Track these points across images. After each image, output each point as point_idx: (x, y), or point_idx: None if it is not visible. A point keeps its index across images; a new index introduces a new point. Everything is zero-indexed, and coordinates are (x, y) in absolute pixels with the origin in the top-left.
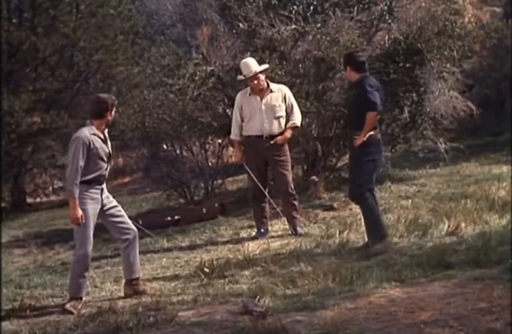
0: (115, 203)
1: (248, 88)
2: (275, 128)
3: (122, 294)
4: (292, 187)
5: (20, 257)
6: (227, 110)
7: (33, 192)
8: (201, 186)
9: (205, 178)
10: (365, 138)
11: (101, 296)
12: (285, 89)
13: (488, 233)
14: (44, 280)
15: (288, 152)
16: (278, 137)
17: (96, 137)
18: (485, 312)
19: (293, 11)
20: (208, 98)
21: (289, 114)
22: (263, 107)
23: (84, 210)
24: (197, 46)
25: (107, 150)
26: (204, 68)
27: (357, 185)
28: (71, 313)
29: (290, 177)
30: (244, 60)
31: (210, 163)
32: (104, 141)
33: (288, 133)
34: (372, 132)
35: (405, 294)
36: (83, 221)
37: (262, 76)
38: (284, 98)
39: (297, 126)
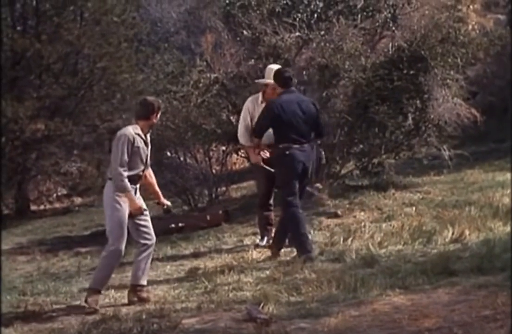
0: (144, 206)
1: (259, 94)
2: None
3: (126, 301)
4: None
5: (24, 264)
6: (231, 117)
7: (37, 199)
8: (205, 193)
9: (209, 185)
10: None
11: (105, 303)
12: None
13: (492, 240)
14: (47, 287)
15: None
16: None
17: (139, 138)
18: (489, 319)
19: (297, 19)
20: (212, 105)
21: None
22: None
23: (119, 207)
24: (201, 54)
25: (147, 152)
26: (208, 75)
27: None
28: (94, 309)
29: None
30: (273, 67)
31: (214, 170)
32: (146, 143)
33: None
34: (281, 146)
35: (409, 301)
36: (143, 211)
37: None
38: None
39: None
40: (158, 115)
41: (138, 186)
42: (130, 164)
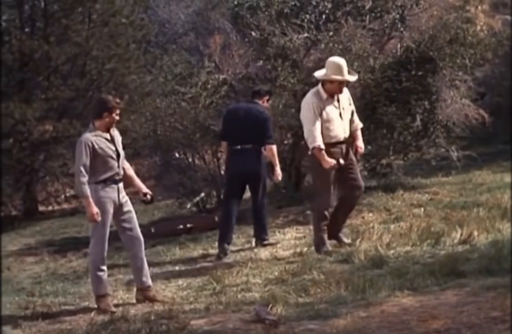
0: (131, 208)
1: (320, 89)
2: (348, 131)
3: (134, 301)
4: None
5: (32, 265)
6: None
7: (45, 200)
8: (213, 194)
9: (217, 186)
10: None
11: (113, 304)
12: (346, 90)
13: (500, 241)
14: (56, 288)
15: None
16: (359, 144)
17: (100, 138)
18: (498, 321)
19: (305, 20)
20: (220, 106)
21: (352, 114)
22: (342, 111)
23: (100, 208)
24: (209, 55)
25: (115, 148)
26: (216, 76)
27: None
28: (109, 311)
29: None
30: (338, 61)
31: (222, 172)
32: (111, 141)
33: (360, 137)
34: None
35: (418, 302)
36: (99, 218)
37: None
38: (349, 100)
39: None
40: (115, 115)
41: (120, 185)
42: (101, 166)
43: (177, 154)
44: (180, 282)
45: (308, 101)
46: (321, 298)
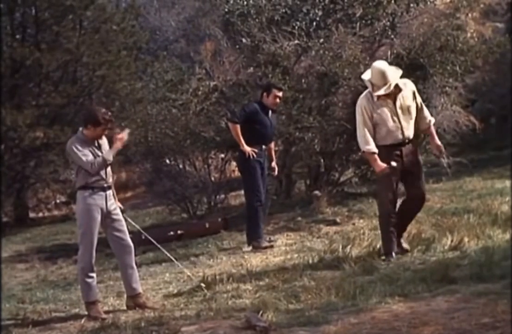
0: (120, 216)
1: (370, 91)
2: (411, 132)
3: (125, 308)
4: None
5: (22, 272)
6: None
7: (36, 206)
8: (204, 201)
9: (208, 193)
10: None
11: (104, 311)
12: (410, 84)
13: (491, 247)
14: (46, 295)
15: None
16: (437, 143)
17: (87, 144)
18: (488, 327)
19: (296, 27)
20: (211, 113)
21: (421, 111)
22: (399, 110)
23: (87, 216)
24: (200, 62)
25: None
26: (207, 83)
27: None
28: (100, 318)
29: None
30: (380, 67)
31: (213, 178)
32: (98, 148)
33: (435, 135)
34: None
35: (409, 309)
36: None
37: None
38: (414, 95)
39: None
40: (103, 130)
41: (109, 193)
42: (85, 173)
43: (168, 161)
44: (170, 288)
45: (359, 104)
46: (311, 304)
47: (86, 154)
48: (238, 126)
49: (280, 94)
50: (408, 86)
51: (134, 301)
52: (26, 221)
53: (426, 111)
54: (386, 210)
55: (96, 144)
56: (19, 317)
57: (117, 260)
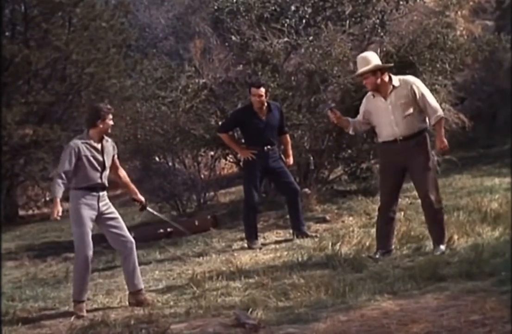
0: (115, 214)
1: None
2: (407, 129)
3: (114, 306)
4: (433, 197)
5: (12, 270)
6: (220, 123)
7: (25, 204)
8: (193, 198)
9: (197, 190)
10: None
11: (93, 309)
12: (411, 81)
13: (480, 245)
14: (36, 293)
15: (429, 154)
16: (439, 140)
17: (88, 146)
18: (478, 325)
19: (286, 24)
20: (200, 110)
21: (424, 107)
22: (390, 106)
23: (79, 214)
24: (189, 59)
25: (100, 159)
26: (196, 80)
27: None
28: (81, 316)
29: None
30: (361, 55)
31: (202, 176)
32: (100, 151)
33: (442, 130)
34: None
35: (398, 306)
36: (58, 218)
37: (372, 77)
38: (414, 92)
39: (442, 118)
40: (109, 121)
41: (102, 193)
42: (83, 175)
43: (157, 159)
44: (160, 286)
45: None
46: (301, 302)
47: (65, 165)
48: (226, 135)
49: (260, 91)
50: (408, 83)
51: (136, 297)
52: (16, 219)
53: (432, 107)
54: (381, 205)
55: (100, 147)
56: (8, 315)
57: (120, 256)
